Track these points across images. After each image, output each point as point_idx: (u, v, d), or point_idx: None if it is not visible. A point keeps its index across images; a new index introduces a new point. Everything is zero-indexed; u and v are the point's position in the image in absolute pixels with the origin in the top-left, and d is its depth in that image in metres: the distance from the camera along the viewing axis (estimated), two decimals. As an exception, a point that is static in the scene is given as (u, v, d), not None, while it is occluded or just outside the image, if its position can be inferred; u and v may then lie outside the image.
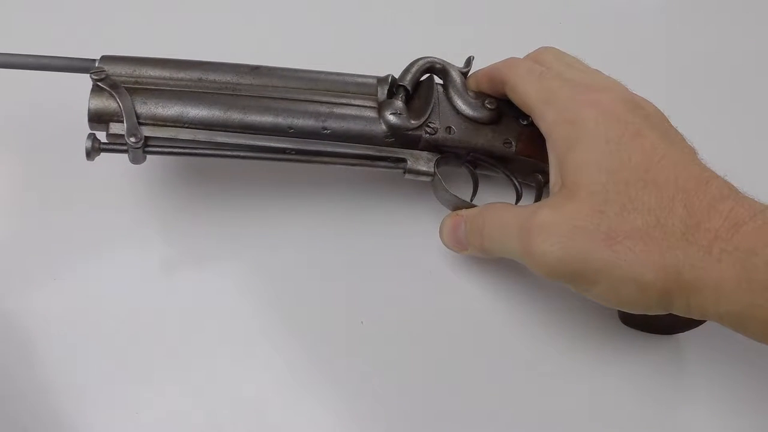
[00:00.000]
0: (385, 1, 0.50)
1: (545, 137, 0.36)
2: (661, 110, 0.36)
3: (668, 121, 0.36)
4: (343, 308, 0.39)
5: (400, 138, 0.38)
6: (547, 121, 0.36)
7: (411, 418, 0.37)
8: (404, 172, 0.39)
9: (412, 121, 0.38)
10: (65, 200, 0.40)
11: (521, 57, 0.40)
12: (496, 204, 0.37)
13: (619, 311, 0.40)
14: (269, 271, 0.40)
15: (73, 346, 0.37)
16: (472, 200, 0.41)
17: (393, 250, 0.41)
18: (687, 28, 0.52)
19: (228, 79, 0.37)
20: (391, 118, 0.38)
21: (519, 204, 0.41)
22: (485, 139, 0.39)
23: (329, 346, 0.38)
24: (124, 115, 0.35)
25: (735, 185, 0.32)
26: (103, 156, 0.36)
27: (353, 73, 0.39)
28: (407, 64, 0.40)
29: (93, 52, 0.37)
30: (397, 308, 0.40)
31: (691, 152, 0.34)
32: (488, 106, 0.39)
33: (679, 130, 0.36)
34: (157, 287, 0.39)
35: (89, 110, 0.35)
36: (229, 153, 0.37)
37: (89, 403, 0.35)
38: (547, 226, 0.33)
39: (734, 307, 0.30)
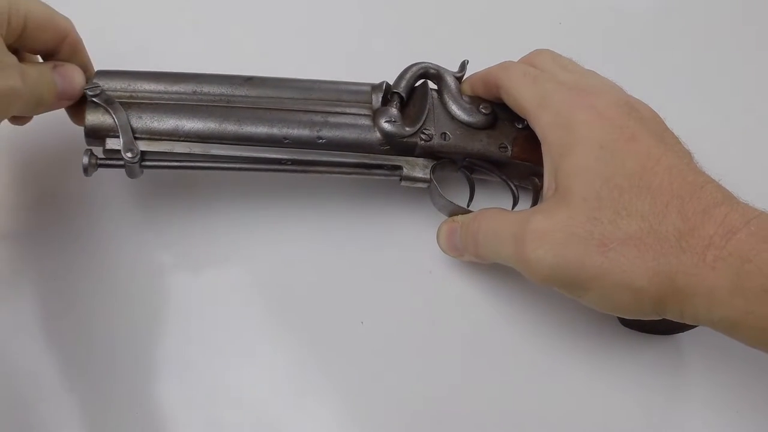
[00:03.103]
0: (381, 4, 0.50)
1: (540, 141, 0.36)
2: (660, 111, 0.36)
3: (664, 124, 0.36)
4: (343, 309, 0.40)
5: (396, 145, 0.38)
6: (542, 125, 0.36)
7: (411, 418, 0.38)
8: (400, 180, 0.39)
9: (407, 129, 0.38)
10: (65, 210, 0.41)
11: (517, 59, 0.40)
12: (491, 210, 0.37)
13: (617, 313, 0.40)
14: (270, 273, 0.40)
15: (74, 346, 0.37)
16: (468, 206, 0.41)
17: (393, 251, 0.41)
18: (687, 28, 0.52)
19: (222, 91, 0.37)
20: (386, 126, 0.38)
21: (516, 208, 0.41)
22: (481, 144, 0.39)
23: (329, 347, 0.39)
24: (119, 130, 0.35)
25: (731, 189, 0.32)
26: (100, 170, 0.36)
27: (347, 81, 0.39)
28: (401, 71, 0.40)
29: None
30: (397, 309, 0.40)
31: (687, 156, 0.34)
32: (483, 110, 0.39)
33: (678, 131, 0.36)
34: (158, 289, 0.39)
35: (85, 126, 0.35)
36: (225, 165, 0.37)
37: (89, 404, 0.36)
38: (541, 233, 0.33)
39: (727, 313, 0.30)
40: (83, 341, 0.37)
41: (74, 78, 0.36)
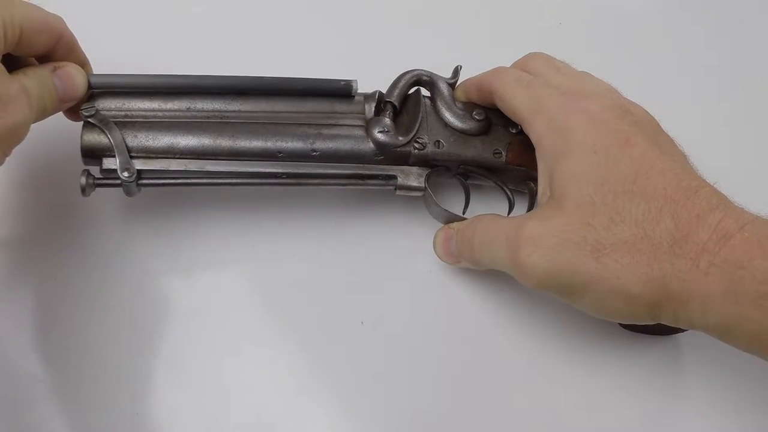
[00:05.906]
0: (375, 9, 0.50)
1: (535, 146, 0.36)
2: (657, 113, 0.36)
3: (659, 127, 0.36)
4: (343, 309, 0.40)
5: (389, 155, 0.38)
6: (536, 130, 0.36)
7: (411, 418, 0.38)
8: (395, 189, 0.39)
9: (401, 138, 0.38)
10: (64, 218, 0.41)
11: (509, 65, 0.40)
12: (486, 216, 0.37)
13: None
14: (269, 275, 0.41)
15: (74, 350, 0.38)
16: (464, 212, 0.41)
17: (393, 252, 0.42)
18: (687, 28, 0.51)
19: (216, 106, 0.38)
20: (379, 136, 0.38)
21: (511, 213, 0.41)
22: (475, 150, 0.39)
23: (329, 347, 0.39)
24: (115, 150, 0.35)
25: (726, 192, 0.32)
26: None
27: (340, 91, 0.39)
28: (394, 79, 0.40)
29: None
30: (397, 309, 0.40)
31: (682, 159, 0.34)
32: (476, 117, 0.39)
33: (674, 133, 0.35)
34: (159, 290, 0.40)
35: (82, 147, 0.36)
36: (221, 181, 0.38)
37: (90, 403, 0.37)
38: (535, 238, 0.33)
39: (721, 319, 0.30)
40: (83, 345, 0.38)
41: (75, 79, 0.35)
